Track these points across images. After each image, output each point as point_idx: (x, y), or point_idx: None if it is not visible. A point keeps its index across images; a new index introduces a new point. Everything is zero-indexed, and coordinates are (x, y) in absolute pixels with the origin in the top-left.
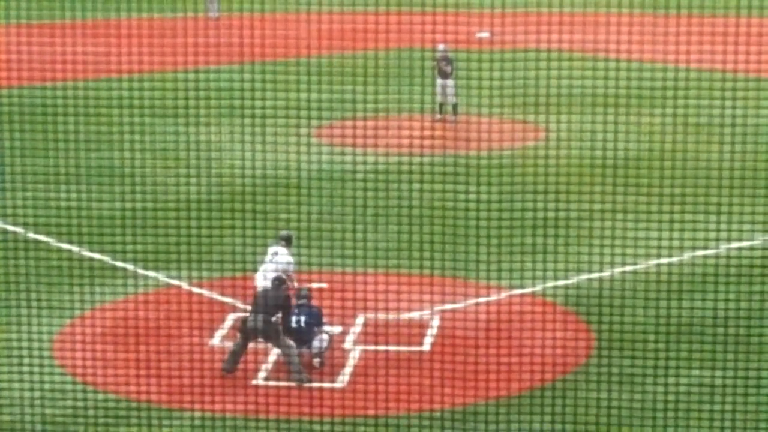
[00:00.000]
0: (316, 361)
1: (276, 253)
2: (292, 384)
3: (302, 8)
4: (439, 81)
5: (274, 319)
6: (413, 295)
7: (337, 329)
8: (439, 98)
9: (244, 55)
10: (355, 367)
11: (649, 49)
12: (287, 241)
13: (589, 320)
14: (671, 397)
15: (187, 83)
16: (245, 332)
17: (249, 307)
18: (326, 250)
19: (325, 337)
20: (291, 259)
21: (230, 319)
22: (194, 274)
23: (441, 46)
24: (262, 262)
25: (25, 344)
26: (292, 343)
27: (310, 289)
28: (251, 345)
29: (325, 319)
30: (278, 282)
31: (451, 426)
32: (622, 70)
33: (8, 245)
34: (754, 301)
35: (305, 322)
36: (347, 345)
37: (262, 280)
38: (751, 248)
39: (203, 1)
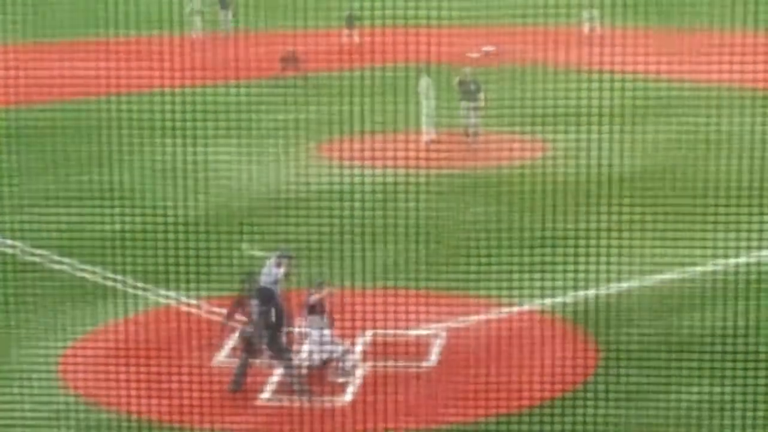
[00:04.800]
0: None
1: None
2: (297, 401)
3: (310, 25)
4: (463, 103)
5: (277, 333)
6: (418, 311)
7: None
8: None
9: (250, 72)
10: (360, 383)
11: (647, 62)
12: (280, 259)
13: (595, 336)
14: (677, 413)
15: (195, 100)
16: (249, 350)
17: (249, 326)
18: (333, 266)
19: (322, 349)
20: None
21: (233, 337)
22: (198, 292)
23: (467, 69)
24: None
25: (31, 364)
26: (293, 360)
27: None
28: (256, 362)
29: (337, 339)
30: (268, 295)
31: None
32: (630, 85)
33: (13, 266)
34: (763, 319)
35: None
36: (352, 361)
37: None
38: (759, 263)
39: (214, 19)
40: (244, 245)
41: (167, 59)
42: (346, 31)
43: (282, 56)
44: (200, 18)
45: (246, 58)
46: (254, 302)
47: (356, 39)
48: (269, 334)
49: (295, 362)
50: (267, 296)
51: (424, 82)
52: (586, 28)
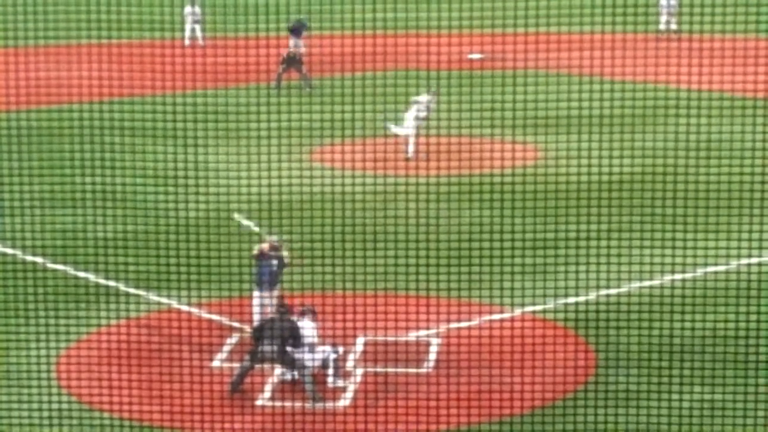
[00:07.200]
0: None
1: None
2: (301, 404)
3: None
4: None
5: (288, 349)
6: (414, 316)
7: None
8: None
9: (240, 78)
10: (357, 388)
11: (642, 70)
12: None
13: (590, 340)
14: (674, 418)
15: (186, 106)
16: (255, 359)
17: (254, 335)
18: (326, 272)
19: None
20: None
21: (231, 341)
22: (195, 295)
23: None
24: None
25: (28, 367)
26: (307, 363)
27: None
28: (258, 365)
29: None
30: (283, 309)
31: None
32: (616, 90)
33: (9, 269)
34: (761, 320)
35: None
36: (349, 364)
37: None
38: (759, 265)
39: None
40: (236, 215)
41: (165, 63)
42: (292, 42)
43: (284, 57)
44: (195, 23)
45: (246, 62)
46: (255, 310)
47: (303, 49)
48: (277, 339)
49: (305, 365)
50: (282, 312)
51: (422, 107)
52: (662, 26)
